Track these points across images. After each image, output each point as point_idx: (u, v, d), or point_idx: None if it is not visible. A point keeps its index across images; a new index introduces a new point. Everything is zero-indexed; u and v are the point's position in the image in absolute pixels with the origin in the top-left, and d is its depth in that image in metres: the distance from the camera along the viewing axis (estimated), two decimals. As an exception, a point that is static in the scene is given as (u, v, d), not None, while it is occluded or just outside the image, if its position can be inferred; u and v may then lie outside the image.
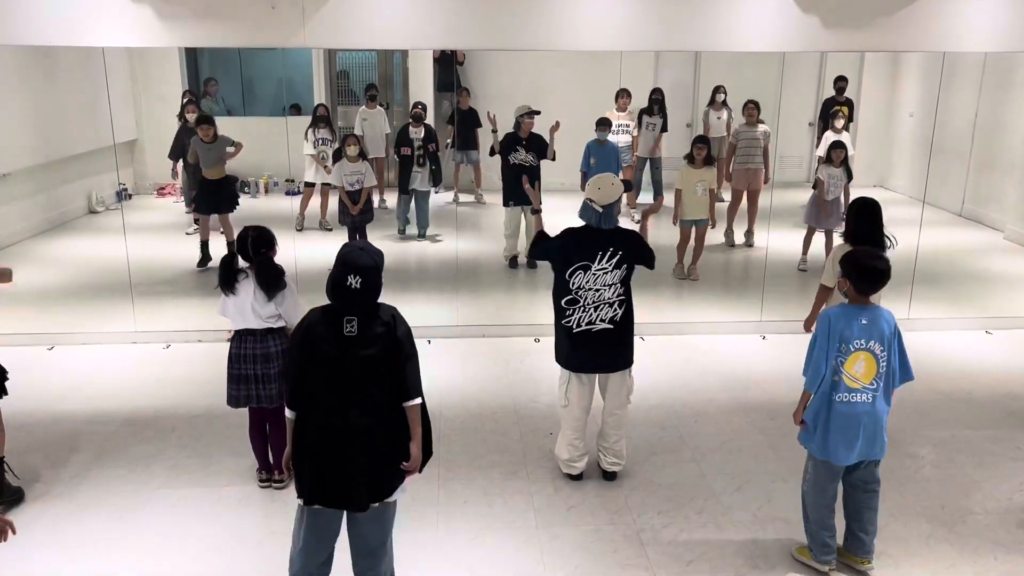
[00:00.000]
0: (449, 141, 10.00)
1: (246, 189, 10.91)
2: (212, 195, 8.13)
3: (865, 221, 4.63)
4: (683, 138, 9.77)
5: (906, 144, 11.21)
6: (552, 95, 9.81)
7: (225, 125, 9.30)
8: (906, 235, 7.65)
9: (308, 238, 8.81)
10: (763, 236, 8.48)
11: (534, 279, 7.99)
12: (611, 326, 4.29)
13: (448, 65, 11.00)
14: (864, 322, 3.55)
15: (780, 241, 8.18)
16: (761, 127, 8.81)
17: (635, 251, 4.34)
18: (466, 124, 10.05)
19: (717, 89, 10.08)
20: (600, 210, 4.28)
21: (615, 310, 4.29)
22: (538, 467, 4.73)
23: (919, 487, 4.56)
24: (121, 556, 3.92)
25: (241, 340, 4.37)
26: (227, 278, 4.26)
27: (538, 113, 7.94)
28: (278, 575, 3.79)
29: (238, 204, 8.33)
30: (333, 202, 8.79)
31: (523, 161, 7.90)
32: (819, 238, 8.11)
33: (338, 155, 8.41)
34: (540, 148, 7.99)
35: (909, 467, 4.77)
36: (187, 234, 9.02)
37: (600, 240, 4.28)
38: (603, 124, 8.52)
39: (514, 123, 7.99)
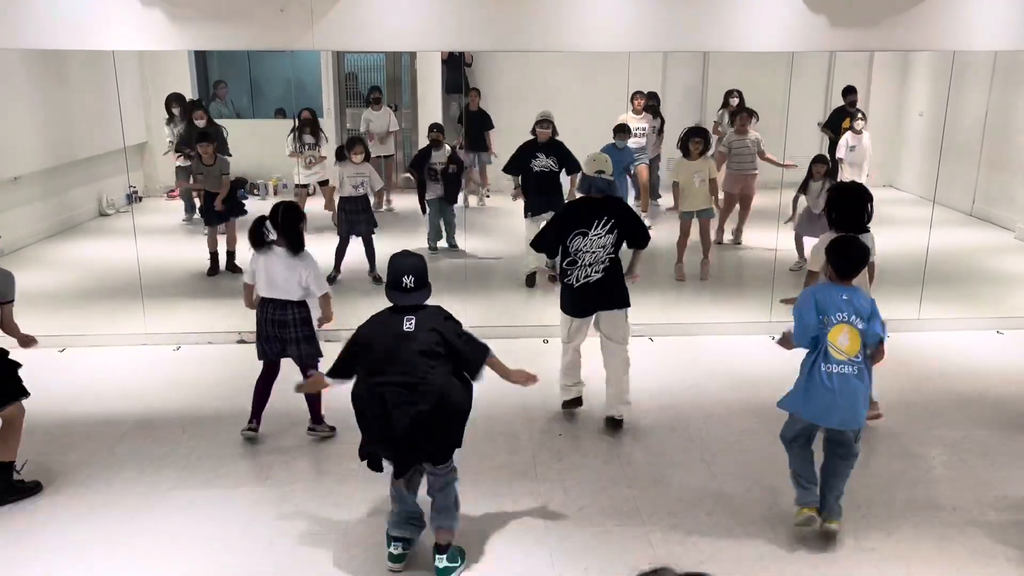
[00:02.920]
0: (458, 143, 9.99)
1: (255, 191, 10.96)
2: (214, 208, 8.14)
3: (849, 208, 4.77)
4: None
5: (916, 143, 11.17)
6: (560, 96, 9.82)
7: (234, 127, 9.36)
8: (916, 235, 7.65)
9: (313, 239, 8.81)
10: (771, 236, 8.46)
11: (541, 280, 7.97)
12: (602, 274, 4.96)
13: (456, 67, 11.03)
14: (844, 297, 3.87)
15: (789, 241, 8.15)
16: (752, 135, 8.86)
17: (626, 223, 5.01)
18: (476, 125, 10.05)
19: (730, 93, 10.09)
20: (612, 178, 5.08)
21: (604, 263, 4.96)
22: (548, 468, 4.73)
23: (930, 488, 4.54)
24: (132, 557, 3.93)
25: (263, 306, 4.85)
26: (258, 236, 4.76)
27: (550, 123, 7.81)
28: (289, 576, 3.82)
29: (245, 211, 8.30)
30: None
31: (544, 167, 7.73)
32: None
33: (340, 155, 8.28)
34: (560, 154, 7.77)
35: (920, 468, 4.75)
36: (204, 234, 8.96)
37: (595, 209, 4.96)
38: (623, 131, 8.47)
39: (531, 130, 7.95)
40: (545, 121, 7.79)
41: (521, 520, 4.22)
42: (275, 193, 11.01)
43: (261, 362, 5.00)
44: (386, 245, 8.83)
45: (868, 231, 4.80)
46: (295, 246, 4.75)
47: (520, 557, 3.93)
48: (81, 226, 9.88)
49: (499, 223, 9.85)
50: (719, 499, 4.43)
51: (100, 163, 9.69)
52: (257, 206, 9.76)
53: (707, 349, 6.53)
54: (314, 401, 5.00)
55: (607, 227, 4.91)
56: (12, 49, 7.26)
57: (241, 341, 6.53)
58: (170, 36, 5.79)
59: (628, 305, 5.11)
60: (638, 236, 5.11)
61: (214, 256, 8.21)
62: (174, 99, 9.88)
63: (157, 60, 10.78)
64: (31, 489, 4.42)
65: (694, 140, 7.87)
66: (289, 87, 11.73)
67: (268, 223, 4.77)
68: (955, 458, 4.87)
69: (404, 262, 3.73)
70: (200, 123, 9.08)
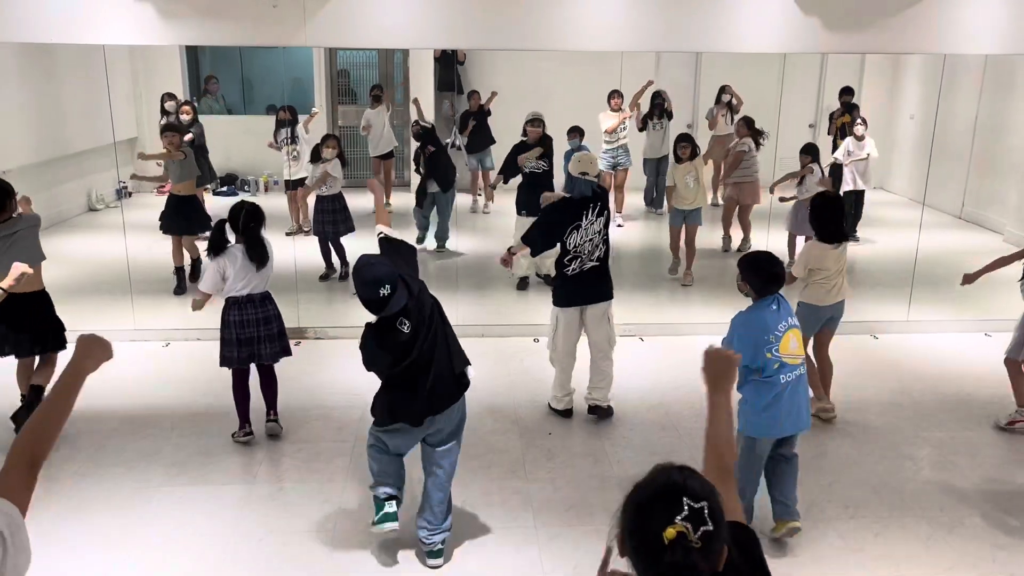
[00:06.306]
0: (450, 141, 9.96)
1: (246, 187, 10.92)
2: (178, 214, 7.41)
3: (828, 216, 5.13)
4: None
5: (906, 146, 11.21)
6: (553, 95, 9.82)
7: (226, 123, 9.32)
8: (906, 237, 7.69)
9: (309, 241, 8.78)
10: (763, 238, 8.49)
11: (533, 280, 7.97)
12: (596, 263, 5.12)
13: (449, 65, 11.00)
14: (774, 308, 3.90)
15: (780, 243, 8.17)
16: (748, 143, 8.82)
17: (605, 199, 5.24)
18: (483, 126, 10.02)
19: (723, 89, 10.12)
20: (595, 179, 5.24)
21: (600, 248, 5.11)
22: (537, 467, 4.73)
23: (918, 489, 4.56)
24: (122, 554, 3.92)
25: (241, 307, 4.75)
26: (218, 243, 4.67)
27: (540, 122, 7.76)
28: (279, 572, 3.81)
29: (210, 226, 7.83)
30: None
31: (536, 168, 7.69)
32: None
33: (315, 155, 7.97)
34: (549, 153, 7.73)
35: (908, 469, 4.78)
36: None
37: (584, 201, 5.09)
38: (574, 131, 8.46)
39: (522, 131, 7.91)
40: (536, 120, 7.77)
41: (511, 519, 4.22)
42: (266, 190, 10.96)
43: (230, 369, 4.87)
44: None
45: (856, 239, 4.93)
46: (261, 260, 4.71)
47: (510, 555, 3.93)
48: (70, 221, 9.82)
49: (492, 221, 9.87)
50: (708, 498, 4.43)
51: (89, 158, 9.63)
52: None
53: (697, 349, 6.50)
54: (272, 398, 5.02)
55: (595, 211, 5.07)
56: (2, 43, 7.21)
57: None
58: (161, 31, 5.76)
59: (611, 297, 5.24)
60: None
61: (179, 271, 7.53)
62: (168, 96, 9.56)
63: (148, 55, 10.70)
64: None
65: (681, 145, 8.04)
66: (281, 84, 11.69)
67: (228, 226, 4.70)
68: (943, 459, 4.90)
69: (372, 272, 3.48)
70: (186, 118, 8.99)
